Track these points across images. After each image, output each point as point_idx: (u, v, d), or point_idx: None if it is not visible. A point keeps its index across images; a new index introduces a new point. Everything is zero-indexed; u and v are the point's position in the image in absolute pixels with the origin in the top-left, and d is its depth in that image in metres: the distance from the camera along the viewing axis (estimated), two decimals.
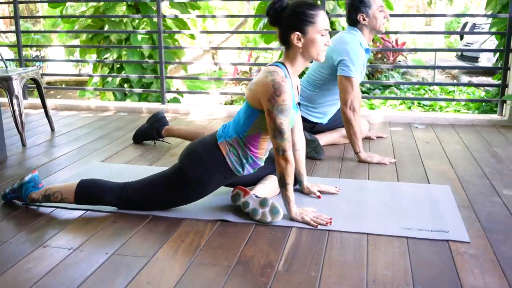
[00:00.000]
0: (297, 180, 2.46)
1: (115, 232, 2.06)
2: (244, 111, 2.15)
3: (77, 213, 2.24)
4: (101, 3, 6.86)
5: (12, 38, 12.63)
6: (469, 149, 3.19)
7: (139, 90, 5.99)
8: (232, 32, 12.42)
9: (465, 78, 11.07)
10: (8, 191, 2.31)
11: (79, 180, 2.25)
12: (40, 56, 13.63)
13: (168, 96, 7.27)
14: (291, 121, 2.12)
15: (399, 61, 10.90)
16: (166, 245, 1.95)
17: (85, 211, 2.26)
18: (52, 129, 3.75)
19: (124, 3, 6.71)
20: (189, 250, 1.90)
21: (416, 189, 2.50)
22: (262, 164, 2.26)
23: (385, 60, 10.63)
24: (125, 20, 6.78)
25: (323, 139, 3.22)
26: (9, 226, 2.15)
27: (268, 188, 2.33)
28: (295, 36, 2.06)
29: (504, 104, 3.87)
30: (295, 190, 2.45)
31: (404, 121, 3.96)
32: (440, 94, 8.21)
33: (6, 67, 3.55)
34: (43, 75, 11.07)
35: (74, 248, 1.92)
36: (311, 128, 3.22)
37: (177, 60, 7.17)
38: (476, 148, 3.21)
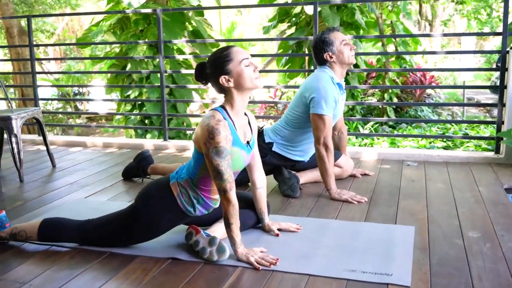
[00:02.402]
0: (259, 218, 2.50)
1: (70, 267, 2.15)
2: (193, 154, 2.23)
3: (41, 248, 2.36)
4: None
5: (55, 76, 13.27)
6: (452, 188, 3.13)
7: (141, 127, 6.20)
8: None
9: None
10: None
11: (42, 219, 2.38)
12: (81, 94, 14.29)
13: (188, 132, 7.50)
14: (237, 162, 2.18)
15: (428, 94, 10.76)
16: (111, 281, 2.02)
17: (50, 246, 2.37)
18: (53, 165, 3.93)
19: (146, 44, 7.02)
20: (130, 287, 1.97)
21: (378, 230, 2.48)
22: (216, 205, 2.32)
23: (414, 93, 10.52)
24: (146, 60, 7.05)
25: (304, 177, 3.24)
26: None
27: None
28: (223, 79, 2.14)
29: (501, 142, 3.78)
30: (257, 227, 2.51)
31: (397, 158, 3.92)
32: (466, 129, 8.02)
33: (11, 106, 3.78)
34: (81, 113, 11.55)
35: (25, 283, 2.03)
36: (292, 166, 3.25)
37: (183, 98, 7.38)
38: (460, 187, 3.15)
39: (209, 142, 2.07)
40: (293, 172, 3.24)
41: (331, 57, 3.04)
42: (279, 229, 2.47)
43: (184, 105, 7.31)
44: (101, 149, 4.67)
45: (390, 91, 9.50)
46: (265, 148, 3.15)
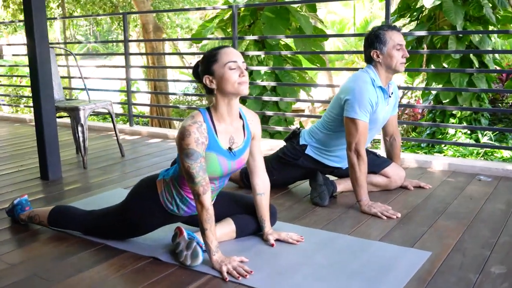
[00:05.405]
0: (260, 225, 2.36)
1: (58, 255, 2.25)
2: (177, 153, 2.17)
3: (51, 233, 2.49)
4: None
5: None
6: (511, 211, 2.66)
7: None
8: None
9: None
10: (8, 210, 2.67)
11: (53, 206, 2.52)
12: None
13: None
14: (211, 167, 2.08)
15: None
16: (82, 273, 2.06)
17: (60, 231, 2.49)
18: (122, 155, 4.15)
19: (251, 40, 7.09)
20: (95, 282, 1.99)
21: (386, 252, 2.19)
22: None
23: None
24: (251, 55, 7.07)
25: (343, 184, 2.99)
26: None
27: (218, 230, 2.27)
28: (206, 79, 2.06)
29: None
30: (258, 235, 2.37)
31: (470, 171, 3.44)
32: None
33: (89, 97, 4.08)
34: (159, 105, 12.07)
35: (13, 264, 2.16)
36: (331, 172, 3.03)
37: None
38: None
39: (180, 143, 2.02)
40: (332, 179, 3.02)
41: (378, 57, 2.76)
42: (277, 239, 2.31)
43: (287, 102, 7.20)
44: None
45: None
46: (298, 150, 2.98)
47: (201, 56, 2.16)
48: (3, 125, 6.07)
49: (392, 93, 2.89)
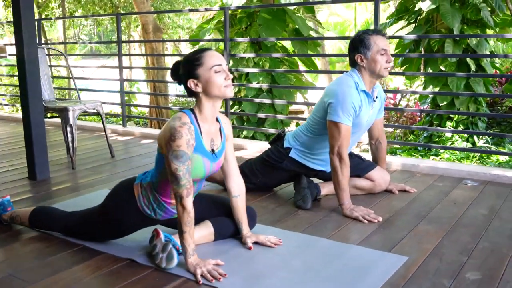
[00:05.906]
0: (237, 228, 2.36)
1: (37, 256, 2.25)
2: (156, 156, 2.18)
3: (33, 234, 2.49)
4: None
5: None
6: (494, 217, 2.65)
7: None
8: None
9: None
10: None
11: (34, 207, 2.53)
12: None
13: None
14: (196, 169, 2.09)
15: None
16: (58, 275, 2.06)
17: (41, 232, 2.50)
18: (112, 156, 4.16)
19: (247, 42, 7.08)
20: (70, 283, 1.99)
21: (362, 256, 2.19)
22: None
23: None
24: (247, 57, 7.06)
25: (327, 187, 2.99)
26: None
27: (196, 233, 2.27)
28: (191, 83, 2.06)
29: None
30: (237, 238, 2.37)
31: (458, 175, 3.43)
32: None
33: (79, 97, 4.09)
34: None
35: None
36: (315, 175, 3.03)
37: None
38: (505, 217, 2.65)
39: (170, 144, 2.01)
40: (317, 182, 3.02)
41: (362, 61, 2.75)
42: (256, 242, 2.31)
43: (283, 104, 7.20)
44: None
45: None
46: (282, 153, 2.98)
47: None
48: (0, 124, 6.09)
49: (376, 97, 2.89)
